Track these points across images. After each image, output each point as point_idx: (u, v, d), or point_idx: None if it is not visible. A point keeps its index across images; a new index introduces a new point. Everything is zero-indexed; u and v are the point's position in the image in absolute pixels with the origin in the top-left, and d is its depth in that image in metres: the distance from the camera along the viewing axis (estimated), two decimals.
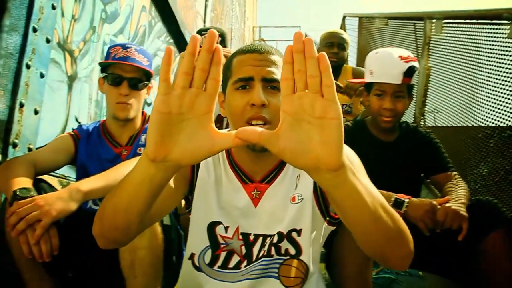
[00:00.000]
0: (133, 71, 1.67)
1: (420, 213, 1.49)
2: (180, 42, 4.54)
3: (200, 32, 2.66)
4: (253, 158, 1.13)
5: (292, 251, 1.12)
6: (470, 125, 2.21)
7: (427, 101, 2.59)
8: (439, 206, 1.49)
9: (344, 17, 5.95)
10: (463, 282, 1.76)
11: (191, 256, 1.16)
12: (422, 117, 2.62)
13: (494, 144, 1.98)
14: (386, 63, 1.80)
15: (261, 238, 1.12)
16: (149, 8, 3.71)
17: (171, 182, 1.03)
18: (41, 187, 1.47)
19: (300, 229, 1.11)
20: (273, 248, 1.12)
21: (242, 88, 1.05)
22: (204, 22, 6.02)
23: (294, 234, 1.12)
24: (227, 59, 1.12)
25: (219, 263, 1.14)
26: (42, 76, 1.90)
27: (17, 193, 1.27)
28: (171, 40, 4.42)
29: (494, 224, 1.45)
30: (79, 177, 1.70)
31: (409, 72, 1.78)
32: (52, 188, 1.54)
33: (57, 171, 1.91)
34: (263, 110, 1.01)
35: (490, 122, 2.01)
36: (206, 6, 6.18)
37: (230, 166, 1.17)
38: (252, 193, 1.14)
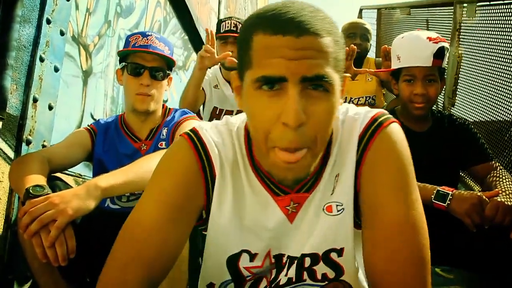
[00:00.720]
0: (154, 60, 1.58)
1: (466, 207, 1.36)
2: (194, 38, 4.46)
3: (220, 21, 2.54)
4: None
5: (331, 274, 0.91)
6: (505, 118, 2.07)
7: (457, 91, 2.45)
8: (487, 200, 1.36)
9: (360, 10, 5.79)
10: (497, 277, 1.64)
11: (211, 285, 0.95)
12: (451, 107, 2.48)
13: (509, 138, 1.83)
14: (414, 46, 1.67)
15: (295, 260, 0.91)
16: (163, 3, 3.64)
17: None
18: (55, 184, 1.38)
19: (342, 248, 0.88)
20: (305, 273, 0.91)
21: (269, 89, 0.73)
22: (218, 17, 5.94)
23: (333, 255, 0.89)
24: (242, 30, 0.80)
25: None
26: (56, 70, 1.82)
27: (30, 190, 1.17)
28: (186, 37, 4.34)
29: None
30: (96, 174, 1.61)
31: (440, 53, 1.64)
32: (68, 186, 1.46)
33: (72, 170, 1.84)
34: (299, 133, 0.71)
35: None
36: (219, 2, 6.10)
37: (254, 172, 0.88)
38: (288, 207, 0.88)
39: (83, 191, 1.16)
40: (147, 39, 1.57)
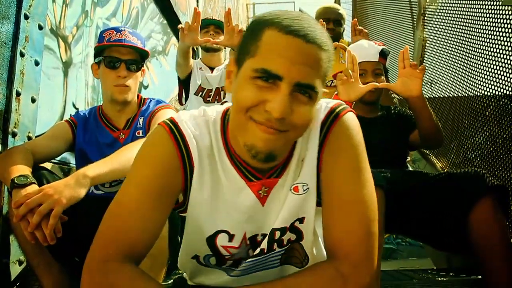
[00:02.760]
0: (129, 53, 1.69)
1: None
2: (173, 23, 4.49)
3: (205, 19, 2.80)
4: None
5: (293, 237, 1.03)
6: (466, 95, 2.22)
7: None
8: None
9: None
10: (456, 252, 1.81)
11: (196, 257, 1.05)
12: None
13: (490, 113, 2.00)
14: (363, 47, 2.06)
15: (267, 236, 1.00)
16: None
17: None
18: (42, 174, 1.49)
19: (303, 217, 1.00)
20: (275, 244, 1.02)
21: (263, 80, 0.82)
22: (197, 1, 5.94)
23: (296, 223, 1.00)
24: (255, 23, 0.88)
25: (228, 264, 1.04)
26: (37, 63, 1.90)
27: (15, 180, 1.29)
28: (165, 21, 4.38)
29: (481, 193, 1.48)
30: (78, 163, 1.73)
31: (383, 54, 2.05)
32: (53, 175, 1.57)
33: (57, 158, 1.94)
34: (279, 122, 0.82)
35: (486, 91, 2.02)
36: None
37: (230, 161, 0.96)
38: (260, 192, 0.97)
39: (73, 181, 1.28)
40: (121, 33, 1.68)
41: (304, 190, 0.97)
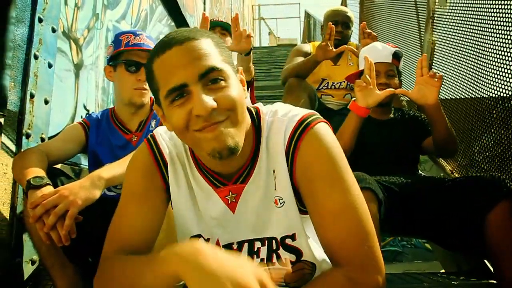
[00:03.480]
0: (147, 57, 1.70)
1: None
2: (181, 25, 4.52)
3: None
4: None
5: (292, 257, 1.02)
6: (474, 96, 2.22)
7: None
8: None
9: None
10: (471, 254, 1.82)
11: None
12: None
13: (498, 115, 2.00)
14: (376, 49, 2.11)
15: (246, 244, 1.02)
16: None
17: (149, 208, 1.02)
18: (56, 176, 1.52)
19: (294, 234, 1.01)
20: (274, 255, 1.02)
21: (179, 98, 0.87)
22: (204, 3, 5.97)
23: (288, 241, 1.01)
24: (145, 67, 1.01)
25: None
26: (50, 66, 1.92)
27: (31, 181, 1.31)
28: (172, 24, 4.40)
29: (498, 198, 1.49)
30: (91, 164, 1.75)
31: (396, 55, 2.08)
32: (67, 176, 1.59)
33: (69, 160, 1.96)
34: (213, 115, 0.85)
35: (494, 93, 2.02)
36: None
37: (197, 169, 1.03)
38: (227, 197, 1.00)
39: (88, 182, 1.30)
40: (140, 38, 1.71)
41: (281, 204, 0.99)
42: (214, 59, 0.88)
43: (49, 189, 1.29)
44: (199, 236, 1.04)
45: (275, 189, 0.98)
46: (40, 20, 1.85)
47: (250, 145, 0.98)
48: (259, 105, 1.05)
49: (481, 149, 2.17)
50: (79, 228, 1.29)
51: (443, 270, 2.22)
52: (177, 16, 4.41)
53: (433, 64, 2.57)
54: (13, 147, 1.70)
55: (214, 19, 2.74)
